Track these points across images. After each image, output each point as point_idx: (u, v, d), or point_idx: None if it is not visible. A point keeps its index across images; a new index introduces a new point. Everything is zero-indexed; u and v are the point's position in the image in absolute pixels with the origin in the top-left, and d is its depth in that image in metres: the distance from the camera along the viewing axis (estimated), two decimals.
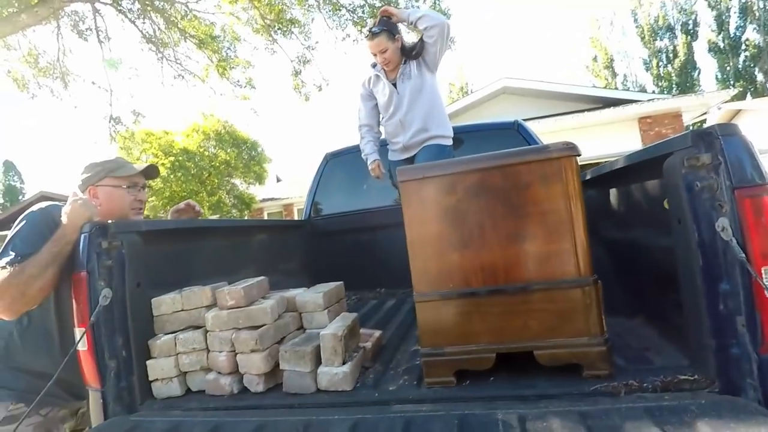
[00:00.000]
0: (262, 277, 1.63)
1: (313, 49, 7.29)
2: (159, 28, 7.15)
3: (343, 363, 1.35)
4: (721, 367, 1.05)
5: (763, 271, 0.97)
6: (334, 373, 1.32)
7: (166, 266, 1.68)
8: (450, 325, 1.27)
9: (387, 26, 2.48)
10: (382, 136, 2.84)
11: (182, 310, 1.54)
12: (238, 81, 7.96)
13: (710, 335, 1.07)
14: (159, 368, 1.47)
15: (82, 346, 1.38)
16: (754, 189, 0.99)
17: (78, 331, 1.40)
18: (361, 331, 1.68)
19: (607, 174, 1.62)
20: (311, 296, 1.60)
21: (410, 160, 2.66)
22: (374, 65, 2.67)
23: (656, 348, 1.35)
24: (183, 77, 7.77)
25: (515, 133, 3.03)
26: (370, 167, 2.69)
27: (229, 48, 7.67)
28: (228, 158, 11.47)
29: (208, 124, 11.25)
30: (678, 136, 1.13)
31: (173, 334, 1.50)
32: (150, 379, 1.47)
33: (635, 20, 26.05)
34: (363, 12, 6.69)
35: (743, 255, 0.97)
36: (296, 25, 6.98)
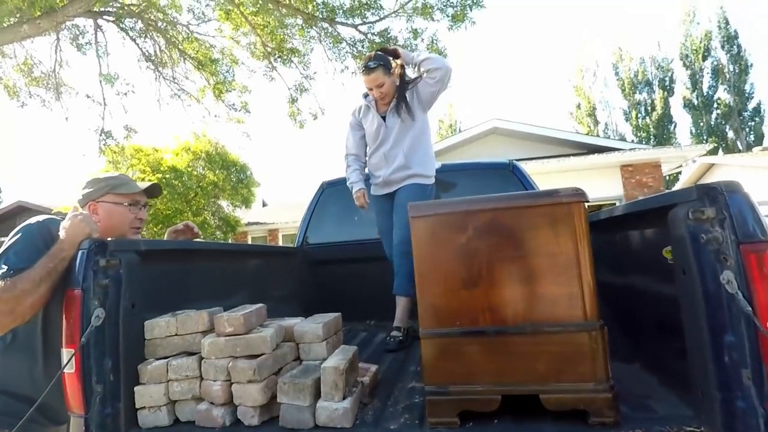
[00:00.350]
0: (260, 305, 1.60)
1: (311, 78, 7.45)
2: (159, 48, 7.23)
3: (344, 398, 1.31)
4: (727, 420, 1.06)
5: None
6: (334, 409, 1.29)
7: (161, 288, 1.64)
8: (455, 364, 1.25)
9: (383, 61, 2.47)
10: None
11: (176, 335, 1.49)
12: (234, 104, 8.03)
13: (716, 387, 1.08)
14: (147, 395, 1.40)
15: (69, 369, 1.31)
16: (758, 244, 1.03)
17: (66, 352, 1.33)
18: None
19: (607, 220, 1.67)
20: (310, 327, 1.57)
21: (390, 196, 2.65)
22: (366, 95, 2.68)
23: (657, 396, 1.35)
24: (179, 96, 7.81)
25: (510, 173, 3.11)
26: (354, 195, 2.66)
27: (227, 71, 7.78)
28: (216, 179, 11.39)
29: (199, 144, 11.22)
30: (682, 189, 1.18)
31: (165, 360, 1.44)
32: (137, 406, 1.40)
33: (616, 73, 27.43)
34: (363, 46, 6.90)
35: (749, 308, 1.00)
36: (296, 55, 7.15)
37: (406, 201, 2.59)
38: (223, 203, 12.07)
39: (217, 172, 11.49)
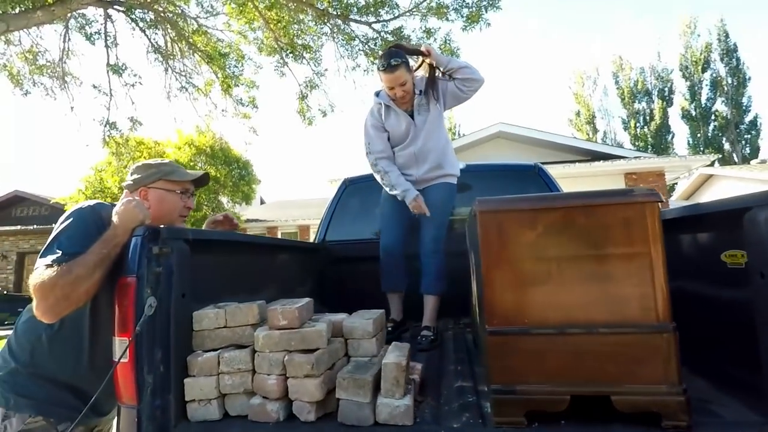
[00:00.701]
0: (308, 299, 1.56)
1: (322, 75, 7.41)
2: (170, 39, 7.16)
3: (404, 395, 1.29)
4: None
5: None
6: (396, 406, 1.26)
7: (206, 279, 1.60)
8: (523, 363, 1.23)
9: (404, 57, 2.37)
10: None
11: (225, 327, 1.46)
12: (241, 99, 7.98)
13: None
14: (198, 388, 1.37)
15: (124, 358, 1.28)
16: None
17: (119, 341, 1.30)
18: None
19: (670, 221, 1.65)
20: (360, 322, 1.54)
21: None
22: (378, 93, 2.55)
23: (717, 401, 1.33)
24: (186, 90, 7.73)
25: (535, 175, 3.10)
26: (411, 205, 2.47)
27: (236, 66, 7.72)
28: (218, 175, 11.30)
29: (203, 139, 11.13)
30: (763, 191, 1.17)
31: (216, 352, 1.41)
32: (186, 399, 1.37)
33: (616, 82, 27.65)
34: (375, 44, 6.88)
35: None
36: (308, 51, 7.10)
37: (440, 201, 2.59)
38: (224, 199, 11.99)
39: (219, 167, 11.41)
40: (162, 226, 1.39)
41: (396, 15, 6.72)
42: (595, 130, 27.82)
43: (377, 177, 2.60)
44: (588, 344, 1.21)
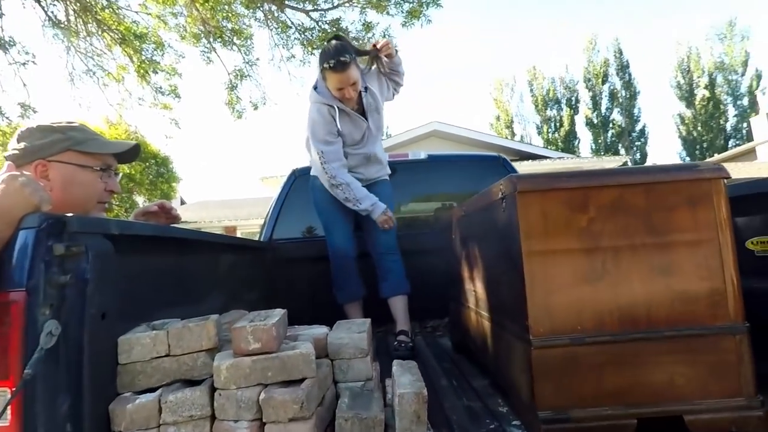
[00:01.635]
0: (282, 310, 1.19)
1: (254, 64, 6.77)
2: (73, 11, 6.09)
3: None
4: None
5: None
6: None
7: (137, 290, 1.16)
8: (579, 381, 0.98)
9: (352, 52, 2.06)
10: None
11: (167, 356, 1.04)
12: (161, 87, 7.06)
13: None
14: None
15: (3, 419, 0.82)
16: None
17: None
18: None
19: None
20: (350, 338, 1.20)
21: None
22: (316, 88, 2.19)
23: None
24: (94, 73, 6.67)
25: (500, 166, 2.94)
26: (380, 219, 2.15)
27: (155, 50, 6.81)
28: (133, 172, 10.04)
29: (115, 131, 9.80)
30: None
31: (156, 394, 0.98)
32: None
33: (531, 90, 29.57)
34: (312, 35, 6.42)
35: None
36: (239, 37, 6.44)
37: (389, 197, 2.33)
38: (139, 199, 10.69)
39: (134, 164, 10.15)
40: (70, 214, 0.94)
41: (335, 5, 6.35)
42: (513, 134, 29.48)
43: (336, 192, 2.19)
44: (653, 354, 0.99)
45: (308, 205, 2.85)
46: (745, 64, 26.22)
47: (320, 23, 6.45)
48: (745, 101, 26.07)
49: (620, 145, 28.27)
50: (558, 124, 28.92)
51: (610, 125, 28.37)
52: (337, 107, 2.14)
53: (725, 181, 1.02)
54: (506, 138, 28.80)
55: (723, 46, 26.83)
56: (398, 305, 2.25)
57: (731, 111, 26.59)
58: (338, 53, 2.00)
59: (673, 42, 28.53)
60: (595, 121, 28.36)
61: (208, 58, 6.57)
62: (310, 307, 2.56)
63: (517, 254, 1.02)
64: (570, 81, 29.25)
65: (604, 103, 28.45)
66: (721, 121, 26.67)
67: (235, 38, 6.55)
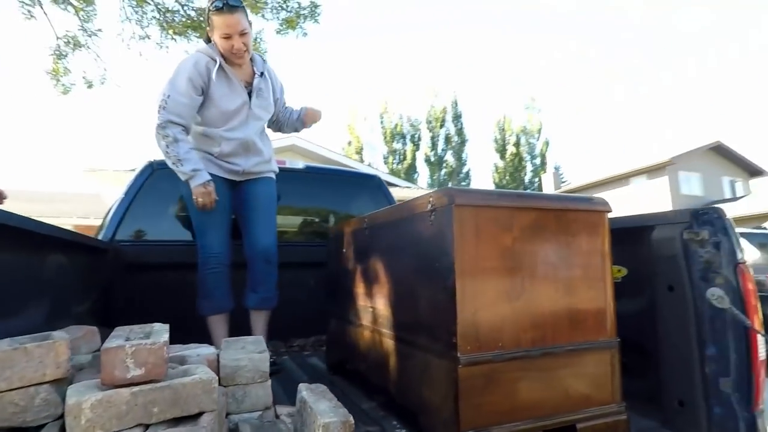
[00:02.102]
0: (163, 325, 0.93)
1: (93, 35, 5.54)
2: None
3: None
4: (714, 428, 1.15)
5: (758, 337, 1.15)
6: None
7: None
8: (499, 398, 0.99)
9: (243, 3, 1.88)
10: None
11: None
12: None
13: (702, 397, 1.17)
14: None
15: None
16: (743, 266, 1.19)
17: None
18: None
19: None
20: (250, 359, 1.01)
21: (234, 184, 2.09)
22: (208, 43, 1.94)
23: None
24: None
25: (377, 187, 3.00)
26: (200, 191, 1.83)
27: None
28: None
29: None
30: (672, 210, 1.29)
31: None
32: None
33: (381, 122, 31.67)
34: (174, 19, 5.61)
35: (749, 322, 1.13)
36: None
37: (271, 197, 2.15)
38: None
39: None
40: None
41: None
42: (362, 160, 30.98)
43: (160, 143, 1.86)
44: (557, 369, 1.07)
45: (166, 203, 2.44)
46: (539, 131, 32.98)
47: (185, 8, 5.75)
48: (538, 161, 32.67)
49: (450, 182, 32.21)
50: (402, 157, 31.45)
51: (444, 164, 32.11)
52: (220, 62, 1.89)
53: (608, 215, 1.19)
54: (358, 162, 30.16)
55: (527, 115, 33.33)
56: (261, 320, 2.04)
57: (529, 167, 32.82)
58: None
59: (494, 104, 33.94)
60: (432, 159, 31.78)
61: (29, 12, 5.20)
62: (162, 318, 2.15)
63: (448, 270, 1.00)
64: (415, 120, 32.32)
65: (441, 144, 32.15)
66: (522, 174, 32.70)
67: None
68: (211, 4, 1.81)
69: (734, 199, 18.82)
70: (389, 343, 1.32)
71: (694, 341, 1.20)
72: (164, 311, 2.15)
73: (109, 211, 2.30)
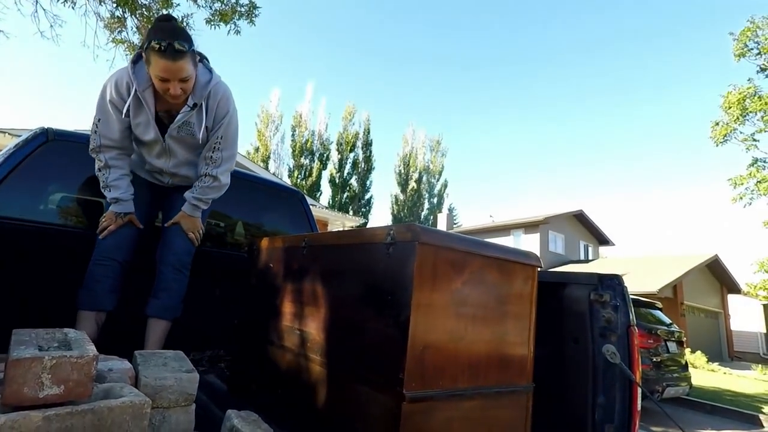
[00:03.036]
0: (77, 333, 0.79)
1: None
2: None
3: None
4: None
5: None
6: None
7: None
8: None
9: (192, 43, 1.63)
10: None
11: None
12: None
13: None
14: None
15: None
16: (633, 328, 1.40)
17: None
18: None
19: None
20: (176, 378, 0.90)
21: (161, 189, 2.02)
22: (135, 62, 1.70)
23: None
24: None
25: (298, 202, 2.93)
26: (110, 215, 1.79)
27: None
28: None
29: None
30: (584, 273, 1.47)
31: None
32: None
33: (293, 136, 31.17)
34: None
35: (633, 376, 1.32)
36: None
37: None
38: None
39: None
40: None
41: None
42: (268, 168, 29.96)
43: (93, 155, 1.81)
44: (483, 408, 1.13)
45: (59, 180, 2.11)
46: (440, 172, 35.37)
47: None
48: (435, 200, 34.86)
49: (351, 206, 32.61)
50: (307, 173, 31.10)
51: (348, 188, 32.47)
52: (134, 91, 1.68)
53: (538, 269, 1.32)
54: (263, 169, 29.03)
55: (431, 155, 35.56)
56: (157, 330, 1.83)
57: (426, 204, 34.78)
58: (175, 35, 1.55)
59: (402, 138, 35.66)
60: (337, 181, 31.96)
61: None
62: (25, 315, 1.80)
63: (403, 304, 1.01)
64: (327, 140, 32.38)
65: (347, 168, 32.55)
66: (420, 210, 34.48)
67: None
68: (155, 40, 1.54)
69: (587, 260, 22.02)
70: (317, 369, 1.27)
71: (590, 390, 1.36)
72: (32, 301, 1.82)
73: None
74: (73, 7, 5.19)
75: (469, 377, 1.09)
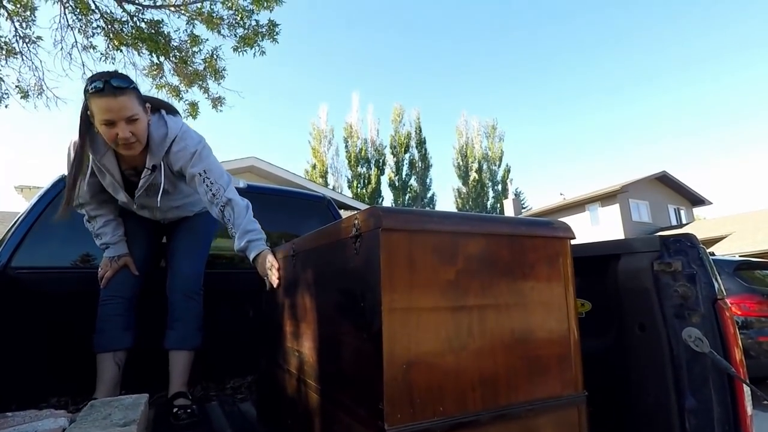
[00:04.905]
0: None
1: (32, 42, 5.02)
2: None
3: None
4: None
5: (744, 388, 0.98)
6: None
7: None
8: None
9: (134, 84, 1.50)
10: None
11: None
12: None
13: None
14: None
15: None
16: (723, 301, 1.03)
17: None
18: None
19: None
20: None
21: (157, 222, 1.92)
22: (88, 132, 1.53)
23: None
24: None
25: (325, 208, 2.77)
26: (104, 262, 1.77)
27: None
28: None
29: None
30: (640, 237, 1.12)
31: None
32: None
33: (346, 147, 31.69)
34: (123, 29, 5.23)
35: (731, 368, 0.96)
36: (15, 1, 4.74)
37: (203, 227, 1.91)
38: None
39: None
40: None
41: (156, 4, 5.44)
42: (326, 184, 30.72)
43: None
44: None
45: (80, 225, 2.12)
46: (500, 158, 33.97)
47: (135, 19, 5.43)
48: (500, 187, 33.51)
49: (414, 207, 32.37)
50: (366, 181, 31.43)
51: (408, 189, 32.29)
52: (99, 164, 1.58)
53: (571, 241, 1.01)
54: (321, 186, 29.84)
55: (488, 142, 34.29)
56: (179, 362, 1.75)
57: (491, 193, 33.57)
58: (110, 74, 1.44)
59: (456, 131, 34.82)
60: (397, 184, 31.93)
61: None
62: (56, 367, 1.81)
63: (373, 311, 0.77)
64: (380, 145, 32.53)
65: (405, 169, 32.41)
66: (485, 200, 33.37)
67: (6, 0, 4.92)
68: (88, 84, 1.42)
69: (680, 225, 19.80)
70: (314, 398, 1.07)
71: (672, 392, 1.01)
72: (63, 352, 1.82)
73: (8, 232, 1.94)
74: (113, 63, 5.54)
75: (482, 396, 0.82)
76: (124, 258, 1.78)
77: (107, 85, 1.40)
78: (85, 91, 1.43)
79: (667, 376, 1.02)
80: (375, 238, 0.78)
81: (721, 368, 0.97)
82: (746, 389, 0.98)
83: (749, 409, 0.98)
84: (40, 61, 5.50)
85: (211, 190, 1.60)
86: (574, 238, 1.00)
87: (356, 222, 0.86)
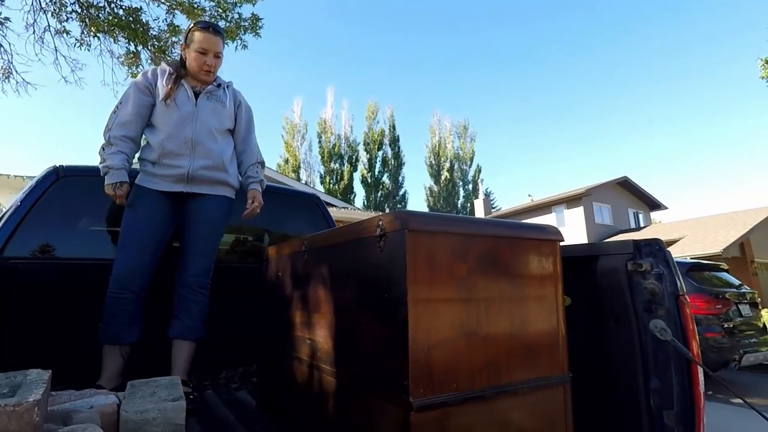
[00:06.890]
0: (41, 373, 0.73)
1: (0, 23, 4.83)
2: None
3: None
4: None
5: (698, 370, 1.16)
6: None
7: None
8: None
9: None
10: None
11: None
12: None
13: (648, 430, 1.15)
14: None
15: None
16: (684, 297, 1.21)
17: None
18: None
19: None
20: (160, 409, 0.83)
21: (179, 199, 1.94)
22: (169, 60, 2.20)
23: None
24: None
25: (315, 206, 2.86)
26: (112, 190, 1.81)
27: None
28: None
29: None
30: (616, 241, 1.29)
31: None
32: None
33: (320, 142, 31.48)
34: (99, 16, 5.09)
35: (689, 353, 1.14)
36: None
37: (217, 220, 1.99)
38: None
39: None
40: None
41: None
42: (299, 179, 30.45)
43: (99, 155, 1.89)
44: (509, 408, 0.99)
45: (73, 217, 2.13)
46: (472, 158, 34.63)
47: (113, 5, 5.29)
48: (470, 187, 34.18)
49: (386, 204, 32.56)
50: (339, 177, 31.33)
51: (381, 186, 32.45)
52: (168, 70, 1.99)
53: (560, 244, 1.16)
54: (294, 180, 29.54)
55: (459, 142, 34.89)
56: (183, 352, 1.82)
57: (462, 192, 34.19)
58: (214, 23, 2.05)
59: (429, 129, 35.20)
60: (369, 181, 32.01)
61: None
62: (52, 357, 1.83)
63: (399, 302, 0.89)
64: (353, 141, 32.50)
65: (378, 166, 32.53)
66: (455, 199, 33.95)
67: None
68: (196, 23, 2.01)
69: (638, 228, 20.85)
70: (329, 380, 1.18)
71: (640, 374, 1.18)
72: (58, 343, 1.85)
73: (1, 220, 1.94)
74: (88, 49, 5.40)
75: (488, 375, 0.96)
76: (125, 185, 1.84)
77: (212, 26, 2.00)
78: (192, 27, 2.01)
79: (637, 361, 1.19)
80: (401, 238, 0.90)
81: (681, 353, 1.15)
82: (700, 371, 1.17)
83: (702, 388, 1.16)
84: (9, 44, 5.29)
85: (247, 155, 2.14)
86: (563, 240, 1.15)
87: (381, 223, 0.98)
